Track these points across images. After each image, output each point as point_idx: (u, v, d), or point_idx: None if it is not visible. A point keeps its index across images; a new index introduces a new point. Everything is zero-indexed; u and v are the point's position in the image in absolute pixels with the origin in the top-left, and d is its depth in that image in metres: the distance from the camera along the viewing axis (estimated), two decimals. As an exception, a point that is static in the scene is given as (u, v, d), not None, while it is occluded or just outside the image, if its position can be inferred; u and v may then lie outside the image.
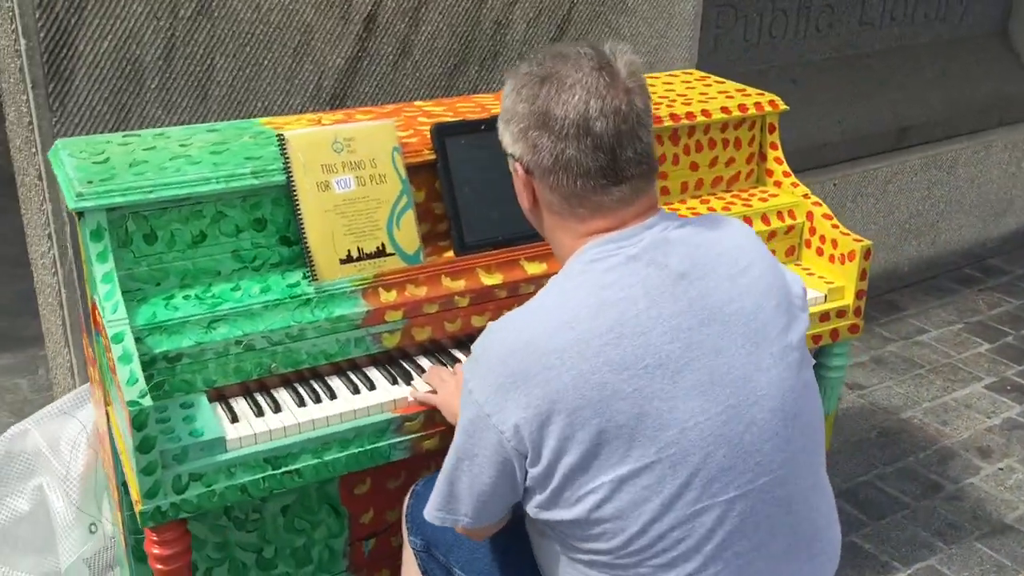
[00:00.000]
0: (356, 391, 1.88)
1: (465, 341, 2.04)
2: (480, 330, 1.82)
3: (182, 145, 2.02)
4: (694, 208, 2.32)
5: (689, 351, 1.34)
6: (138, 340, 1.76)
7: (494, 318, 1.99)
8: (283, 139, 1.91)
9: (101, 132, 2.39)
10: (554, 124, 1.39)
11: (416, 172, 2.05)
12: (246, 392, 1.88)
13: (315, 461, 1.79)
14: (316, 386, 1.89)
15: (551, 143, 1.40)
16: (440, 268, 2.00)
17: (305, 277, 1.91)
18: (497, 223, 2.08)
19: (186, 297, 1.86)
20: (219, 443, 1.72)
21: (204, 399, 1.81)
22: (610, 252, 1.39)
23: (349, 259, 1.94)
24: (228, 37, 2.47)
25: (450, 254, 2.05)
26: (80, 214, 1.79)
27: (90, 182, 1.82)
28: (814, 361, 1.56)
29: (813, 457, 1.47)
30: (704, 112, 2.36)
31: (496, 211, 2.08)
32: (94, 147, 2.00)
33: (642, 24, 3.17)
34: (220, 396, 1.86)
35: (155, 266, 1.89)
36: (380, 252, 1.97)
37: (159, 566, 1.74)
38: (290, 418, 1.79)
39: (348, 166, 1.96)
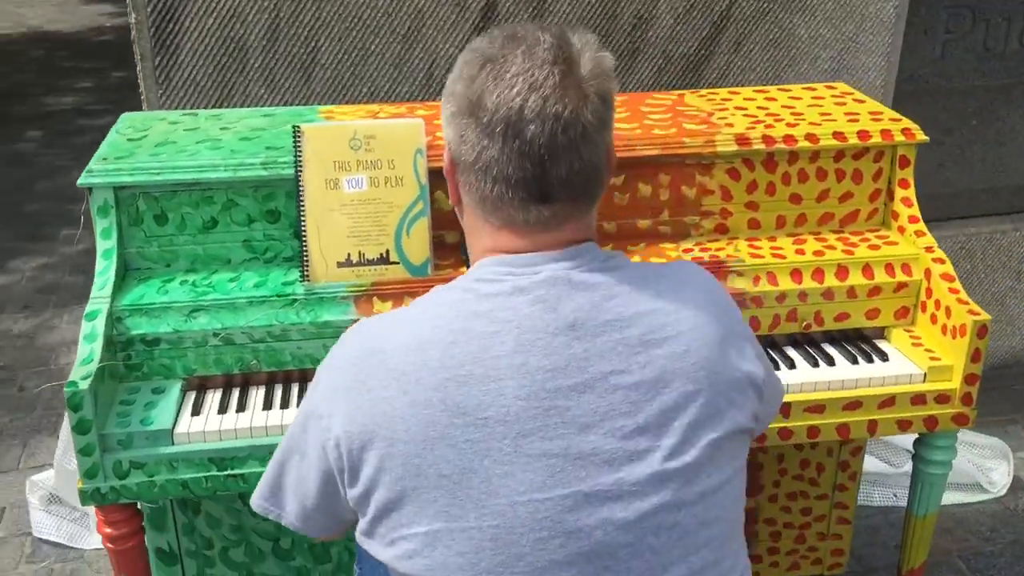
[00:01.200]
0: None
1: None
2: None
3: (223, 128, 2.01)
4: (780, 249, 1.97)
5: (547, 416, 1.11)
6: (119, 320, 1.78)
7: None
8: (298, 131, 1.84)
9: (204, 107, 2.46)
10: (483, 116, 1.16)
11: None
12: (228, 385, 1.84)
13: (261, 469, 1.72)
14: (296, 389, 1.82)
15: (476, 137, 1.18)
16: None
17: (304, 276, 1.84)
18: (521, 242, 1.88)
19: (183, 282, 1.85)
20: (164, 435, 1.69)
21: (177, 387, 1.79)
22: (499, 276, 1.18)
23: (348, 263, 1.84)
24: (334, 20, 2.44)
25: (464, 270, 1.89)
26: (89, 190, 1.83)
27: (105, 159, 1.85)
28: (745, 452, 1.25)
29: None
30: (810, 137, 1.99)
31: (522, 228, 1.88)
32: (143, 124, 2.04)
33: (824, 25, 2.77)
34: (201, 386, 1.84)
35: (166, 247, 1.89)
36: (383, 259, 1.85)
37: (109, 545, 1.76)
38: (243, 420, 1.73)
39: (363, 165, 1.85)
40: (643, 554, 1.12)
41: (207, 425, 1.72)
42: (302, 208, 1.83)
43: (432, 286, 1.71)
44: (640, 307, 1.17)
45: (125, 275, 1.88)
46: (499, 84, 1.15)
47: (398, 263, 1.86)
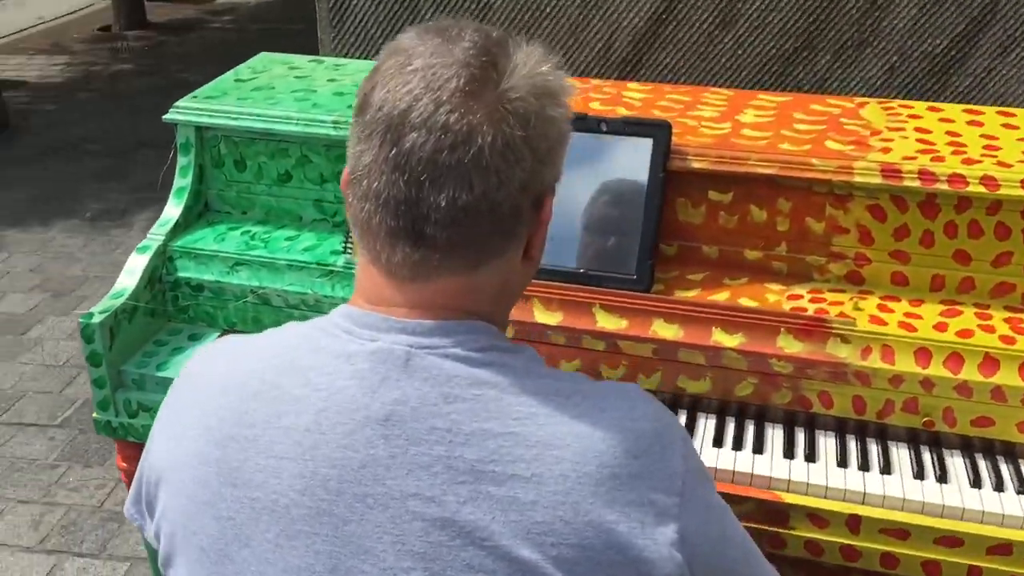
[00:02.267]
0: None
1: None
2: None
3: (331, 80, 1.93)
4: (917, 318, 1.52)
5: (319, 522, 0.87)
6: (170, 259, 1.77)
7: (547, 361, 1.58)
8: (372, 92, 1.70)
9: (372, 55, 2.39)
10: (367, 112, 0.93)
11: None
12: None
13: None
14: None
15: (355, 139, 0.95)
16: (489, 284, 1.63)
17: (347, 247, 1.72)
18: (584, 252, 1.62)
19: (244, 232, 1.81)
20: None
21: (207, 336, 1.76)
22: (339, 331, 0.94)
23: (394, 242, 1.69)
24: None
25: (513, 272, 1.66)
26: (175, 125, 1.83)
27: (195, 97, 1.84)
28: None
29: None
30: (987, 181, 1.50)
31: (589, 237, 1.62)
32: (264, 66, 2.01)
33: None
34: (241, 340, 1.79)
35: (244, 194, 1.86)
36: (430, 245, 1.68)
37: (124, 479, 1.79)
38: None
39: (430, 138, 1.68)
40: None
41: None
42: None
43: None
44: (492, 424, 0.87)
45: (202, 214, 1.87)
46: (396, 78, 0.91)
47: (445, 252, 1.67)
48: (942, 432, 1.51)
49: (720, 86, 2.28)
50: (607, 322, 1.58)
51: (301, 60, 2.05)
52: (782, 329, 1.52)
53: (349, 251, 1.71)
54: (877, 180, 1.54)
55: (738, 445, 1.51)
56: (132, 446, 1.74)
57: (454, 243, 0.90)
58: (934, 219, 1.56)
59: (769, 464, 1.48)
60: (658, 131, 1.59)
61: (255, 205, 1.86)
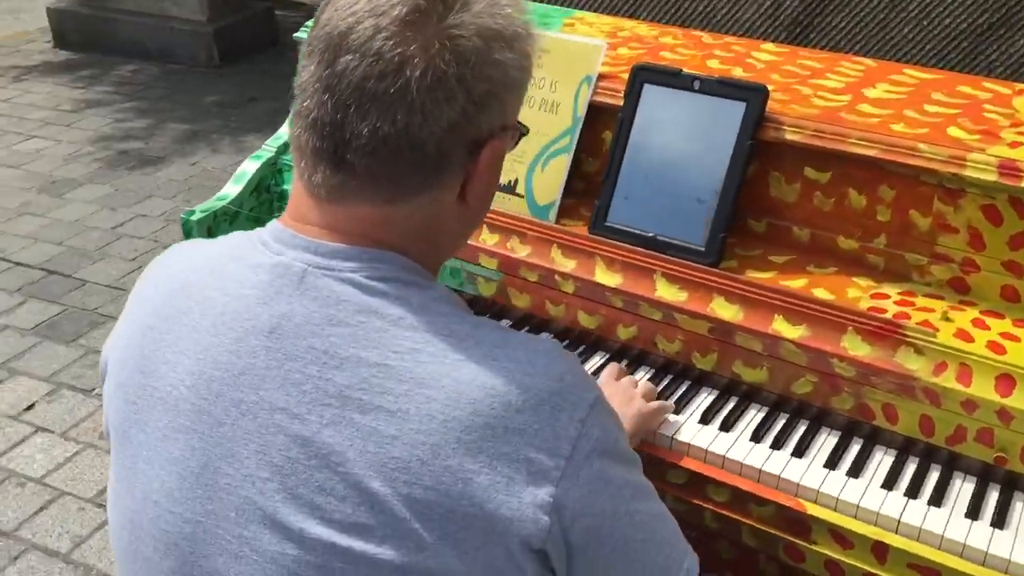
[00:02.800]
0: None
1: (570, 337, 1.62)
2: (582, 330, 1.53)
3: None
4: (1012, 340, 1.31)
5: (199, 419, 0.89)
6: (279, 171, 1.86)
7: (602, 325, 1.55)
8: (479, 27, 1.68)
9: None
10: (314, 29, 0.92)
11: (607, 116, 1.61)
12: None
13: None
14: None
15: (302, 53, 0.94)
16: (557, 236, 1.59)
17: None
18: (653, 215, 1.53)
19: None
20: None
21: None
22: (259, 242, 0.93)
23: (476, 180, 1.67)
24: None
25: (584, 227, 1.60)
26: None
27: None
28: None
29: None
30: None
31: (660, 201, 1.53)
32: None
33: None
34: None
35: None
36: (510, 188, 1.65)
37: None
38: None
39: (526, 79, 1.64)
40: None
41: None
42: (455, 110, 1.69)
43: (540, 233, 1.52)
44: (369, 353, 0.85)
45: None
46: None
47: (522, 197, 1.64)
48: (1020, 473, 1.31)
49: (900, 60, 2.06)
50: (666, 292, 1.50)
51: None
52: (849, 328, 1.37)
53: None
54: (992, 177, 1.34)
55: (778, 444, 1.39)
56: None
57: (372, 173, 0.88)
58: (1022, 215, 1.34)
59: (803, 470, 1.35)
60: (752, 95, 1.46)
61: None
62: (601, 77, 1.61)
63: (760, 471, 1.35)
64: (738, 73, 1.65)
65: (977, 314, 1.38)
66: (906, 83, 1.60)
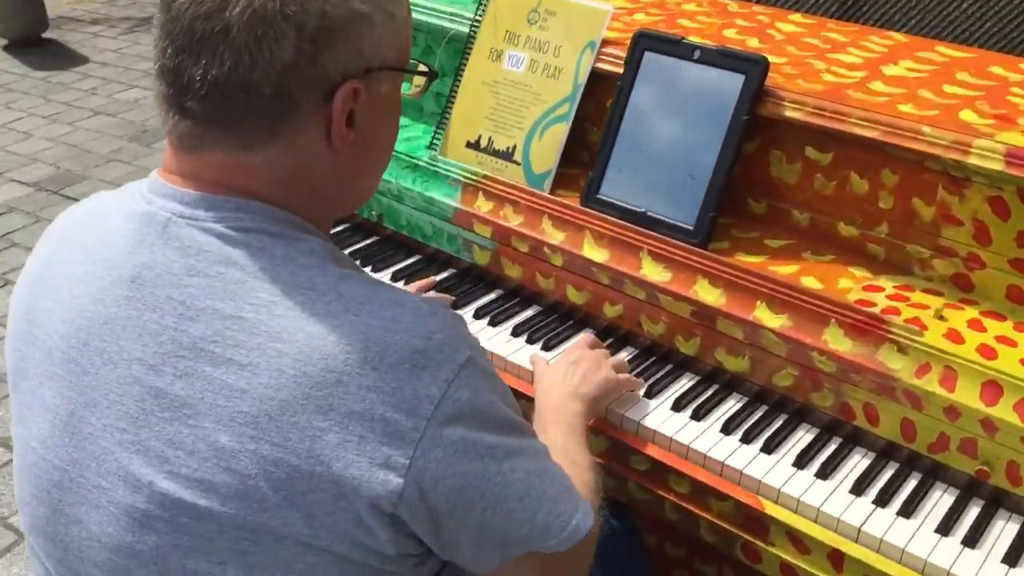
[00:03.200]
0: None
1: (559, 312, 1.57)
2: (571, 306, 1.50)
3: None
4: (1005, 345, 1.20)
5: (67, 367, 0.89)
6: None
7: (590, 301, 1.50)
8: (489, -11, 1.64)
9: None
10: None
11: (611, 84, 1.54)
12: (367, 236, 1.82)
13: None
14: (422, 274, 1.73)
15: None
16: (549, 207, 1.54)
17: (433, 143, 1.69)
18: (644, 191, 1.47)
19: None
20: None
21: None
22: (138, 192, 0.92)
23: (475, 145, 1.64)
24: None
25: (577, 198, 1.54)
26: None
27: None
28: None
29: None
30: None
31: (653, 176, 1.46)
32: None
33: None
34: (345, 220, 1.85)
35: (380, 77, 1.89)
36: (507, 155, 1.60)
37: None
38: None
39: (531, 44, 1.59)
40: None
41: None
42: (460, 72, 1.66)
43: (533, 203, 1.49)
44: (224, 305, 0.84)
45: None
46: None
47: (519, 165, 1.59)
48: (1003, 489, 1.21)
49: (957, 38, 1.92)
50: (651, 271, 1.43)
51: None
52: (832, 320, 1.28)
53: (435, 147, 1.68)
54: (998, 166, 1.22)
55: (748, 439, 1.32)
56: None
57: (211, 119, 0.86)
58: (1052, 218, 1.22)
59: (768, 468, 1.27)
60: (751, 67, 1.38)
61: (388, 90, 1.88)
62: (608, 43, 1.54)
63: (723, 464, 1.29)
64: (753, 44, 1.56)
65: (976, 314, 1.27)
66: (933, 61, 1.48)
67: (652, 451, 1.34)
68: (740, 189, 1.49)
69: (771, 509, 1.24)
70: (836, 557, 1.19)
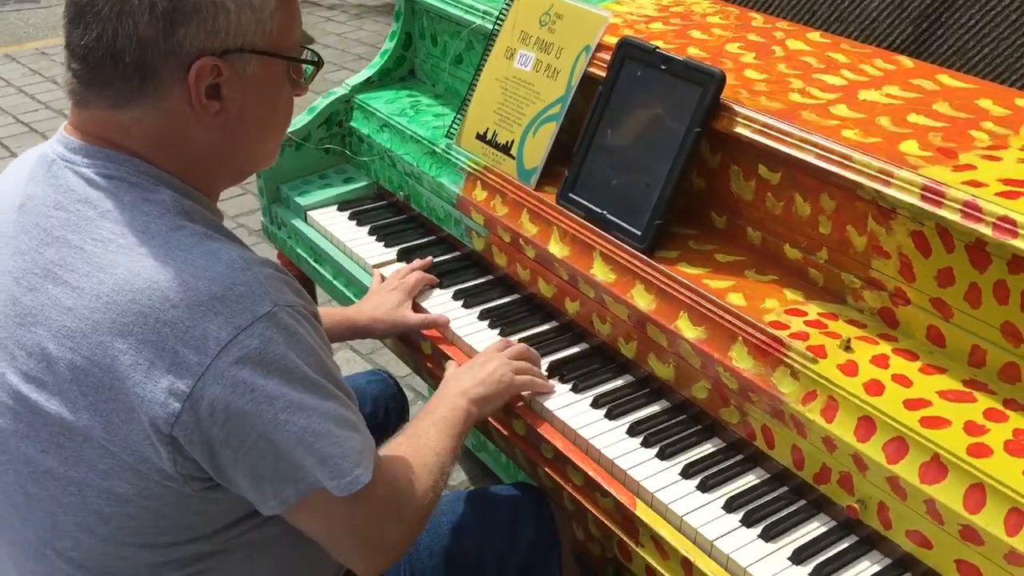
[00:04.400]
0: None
1: (534, 304, 1.65)
2: (542, 299, 1.61)
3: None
4: (902, 386, 1.15)
5: None
6: (350, 108, 2.03)
7: (555, 296, 1.59)
8: (515, -9, 1.73)
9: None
10: None
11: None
12: (386, 215, 1.95)
13: (333, 282, 1.87)
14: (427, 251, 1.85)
15: None
16: (530, 202, 1.61)
17: (450, 132, 1.80)
18: (607, 194, 1.51)
19: (412, 101, 1.98)
20: (300, 210, 1.95)
21: (355, 182, 2.00)
22: (51, 140, 1.09)
23: (483, 137, 1.73)
24: None
25: (554, 195, 1.60)
26: (397, -5, 2.04)
27: (415, -28, 2.02)
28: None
29: (26, 561, 1.08)
30: (1050, 239, 1.06)
31: (619, 180, 1.50)
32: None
33: None
34: (379, 196, 2.00)
35: (434, 68, 2.03)
36: (506, 148, 1.69)
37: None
38: (349, 239, 1.86)
39: (539, 44, 1.66)
40: None
41: (322, 221, 1.91)
42: (480, 67, 1.76)
43: (518, 196, 1.62)
44: (74, 236, 1.00)
45: (403, 78, 2.08)
46: None
47: (514, 159, 1.67)
48: (876, 530, 1.17)
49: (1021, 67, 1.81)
50: (600, 271, 1.48)
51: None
52: (740, 338, 1.29)
53: (451, 136, 1.79)
54: (913, 199, 1.18)
55: (648, 443, 1.35)
56: (282, 256, 2.07)
57: (87, 79, 1.01)
58: (983, 271, 1.16)
59: (653, 472, 1.30)
60: (708, 80, 1.39)
61: (439, 80, 2.01)
62: (604, 48, 1.59)
63: (613, 463, 1.32)
64: (747, 59, 1.55)
65: (888, 350, 1.24)
66: (922, 89, 1.43)
67: (558, 441, 1.39)
68: (704, 202, 1.51)
69: (641, 511, 1.27)
70: (686, 565, 1.21)
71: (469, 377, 1.38)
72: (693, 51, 1.58)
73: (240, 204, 3.91)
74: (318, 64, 1.13)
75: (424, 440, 1.23)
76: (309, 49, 1.12)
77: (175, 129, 1.03)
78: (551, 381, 1.47)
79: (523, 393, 1.44)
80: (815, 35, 1.63)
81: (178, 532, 1.03)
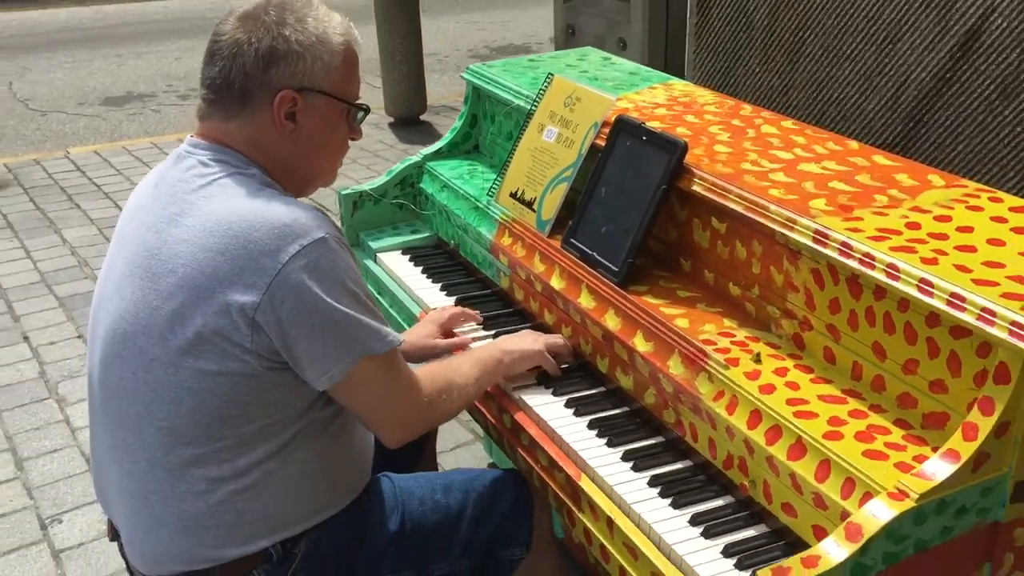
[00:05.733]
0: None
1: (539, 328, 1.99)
2: (548, 328, 1.97)
3: (582, 71, 2.35)
4: (793, 393, 1.42)
5: (120, 236, 1.55)
6: (421, 173, 2.46)
7: (555, 324, 1.94)
8: (549, 78, 2.13)
9: (717, 71, 2.67)
10: None
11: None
12: (442, 262, 2.35)
13: (392, 311, 2.27)
14: (463, 287, 2.24)
15: None
16: (541, 246, 1.97)
17: (491, 191, 2.19)
18: (598, 239, 1.85)
19: (471, 168, 2.40)
20: (371, 252, 2.37)
21: (420, 233, 2.41)
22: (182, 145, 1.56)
23: (515, 195, 2.11)
24: (824, 11, 2.35)
25: (557, 242, 1.95)
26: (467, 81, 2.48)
27: (485, 65, 2.45)
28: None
29: (126, 436, 1.49)
30: (891, 271, 1.34)
31: (607, 227, 1.84)
32: (577, 55, 2.51)
33: None
34: (439, 245, 2.40)
35: (493, 143, 2.44)
36: (530, 203, 2.06)
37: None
38: (411, 280, 2.25)
39: (562, 121, 2.05)
40: (103, 384, 1.51)
41: (388, 262, 2.32)
42: (519, 139, 2.15)
43: (533, 242, 2.00)
44: (191, 196, 1.45)
45: (469, 152, 2.50)
46: None
47: (535, 212, 2.04)
48: (763, 506, 1.44)
49: (996, 160, 2.07)
50: (585, 300, 1.81)
51: (595, 54, 2.48)
52: (676, 351, 1.60)
53: (491, 194, 2.18)
54: (807, 241, 1.48)
55: (603, 434, 1.66)
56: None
57: (209, 101, 1.49)
58: (858, 300, 1.45)
59: (599, 454, 1.61)
60: (673, 148, 1.73)
61: (495, 152, 2.41)
62: (608, 124, 1.95)
63: (570, 446, 1.64)
64: (723, 137, 1.89)
65: (791, 365, 1.52)
66: (856, 165, 1.72)
67: (532, 429, 1.71)
68: (676, 250, 1.83)
69: (584, 482, 1.57)
70: (610, 523, 1.50)
71: (510, 341, 1.80)
72: (681, 130, 1.92)
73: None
74: (366, 111, 1.55)
75: (456, 365, 1.66)
76: (362, 104, 1.55)
77: (263, 138, 1.49)
78: (540, 387, 1.80)
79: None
80: (788, 123, 1.96)
81: (249, 414, 1.43)
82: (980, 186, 1.62)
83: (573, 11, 5.58)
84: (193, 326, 1.40)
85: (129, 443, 1.49)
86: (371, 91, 6.98)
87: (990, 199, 1.56)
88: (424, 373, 1.59)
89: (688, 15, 2.89)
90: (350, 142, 1.59)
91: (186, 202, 1.45)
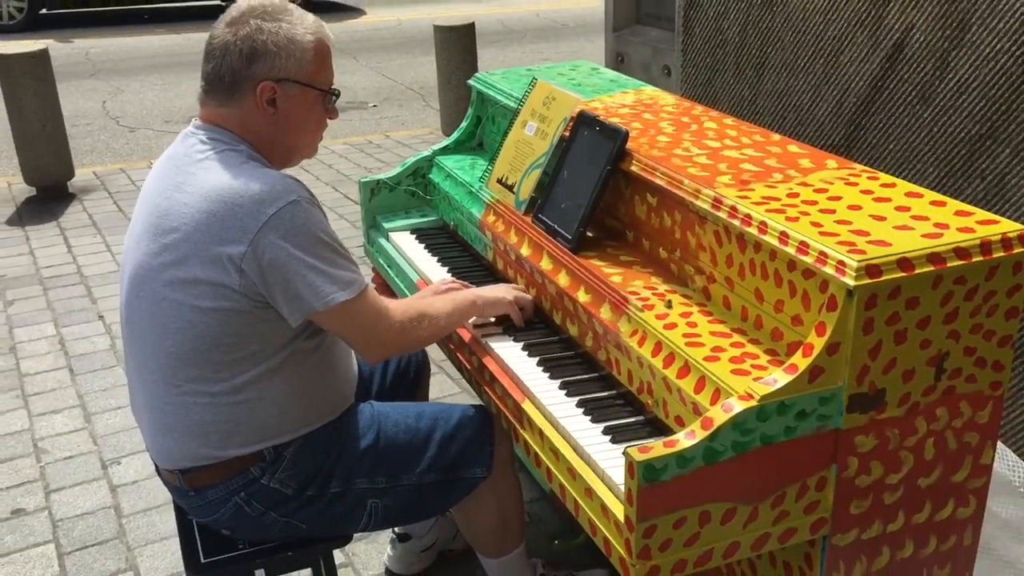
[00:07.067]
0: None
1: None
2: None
3: (571, 80, 2.71)
4: (693, 331, 1.75)
5: (144, 205, 1.91)
6: (431, 166, 2.83)
7: (526, 287, 2.29)
8: (533, 81, 2.49)
9: (698, 75, 3.00)
10: None
11: (570, 146, 2.30)
12: (447, 245, 2.72)
13: (399, 283, 2.64)
14: (457, 260, 2.60)
15: None
16: (516, 221, 2.32)
17: (483, 178, 2.55)
18: (559, 213, 2.20)
19: (473, 161, 2.77)
20: (384, 231, 2.76)
21: (428, 217, 2.79)
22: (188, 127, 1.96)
23: (500, 181, 2.47)
24: (783, 28, 2.67)
25: (528, 218, 2.30)
26: (469, 88, 2.85)
27: (489, 73, 2.83)
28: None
29: (145, 359, 1.88)
30: (762, 226, 1.66)
31: (565, 203, 2.19)
32: (569, 66, 2.87)
33: None
34: (444, 228, 2.77)
35: (492, 140, 2.81)
36: (511, 187, 2.42)
37: (372, 281, 2.94)
38: (414, 256, 2.62)
39: (540, 117, 2.41)
40: (127, 321, 1.91)
41: (397, 240, 2.70)
42: (507, 133, 2.51)
43: (510, 219, 2.36)
44: (192, 167, 1.82)
45: (473, 148, 2.87)
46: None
47: (514, 194, 2.40)
48: (664, 423, 1.77)
49: (920, 158, 2.37)
50: (546, 263, 2.16)
51: (586, 65, 2.84)
52: (607, 299, 1.93)
53: (483, 180, 2.54)
54: (707, 206, 1.81)
55: (545, 368, 2.00)
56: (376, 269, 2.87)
57: (206, 90, 1.88)
58: (744, 252, 1.77)
59: (541, 382, 1.95)
60: (617, 135, 2.08)
61: (494, 148, 2.77)
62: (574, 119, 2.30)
63: (519, 377, 1.98)
64: (668, 129, 2.22)
65: (696, 311, 1.84)
66: (769, 152, 2.05)
67: (492, 366, 2.06)
68: (624, 224, 2.17)
69: (526, 405, 1.91)
70: (542, 434, 1.84)
71: (487, 289, 2.16)
72: (635, 125, 2.27)
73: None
74: (336, 95, 1.93)
75: (431, 300, 2.02)
76: (334, 89, 1.93)
77: (250, 120, 1.86)
78: (505, 335, 2.15)
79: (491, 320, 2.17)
80: (729, 120, 2.28)
81: (240, 342, 1.80)
82: (866, 168, 1.93)
83: (622, 40, 5.94)
84: (193, 272, 1.77)
85: (148, 365, 1.88)
86: (430, 112, 7.45)
87: (868, 178, 1.87)
88: (398, 304, 1.94)
89: (675, 33, 3.22)
90: (328, 121, 1.96)
91: (188, 172, 1.82)
